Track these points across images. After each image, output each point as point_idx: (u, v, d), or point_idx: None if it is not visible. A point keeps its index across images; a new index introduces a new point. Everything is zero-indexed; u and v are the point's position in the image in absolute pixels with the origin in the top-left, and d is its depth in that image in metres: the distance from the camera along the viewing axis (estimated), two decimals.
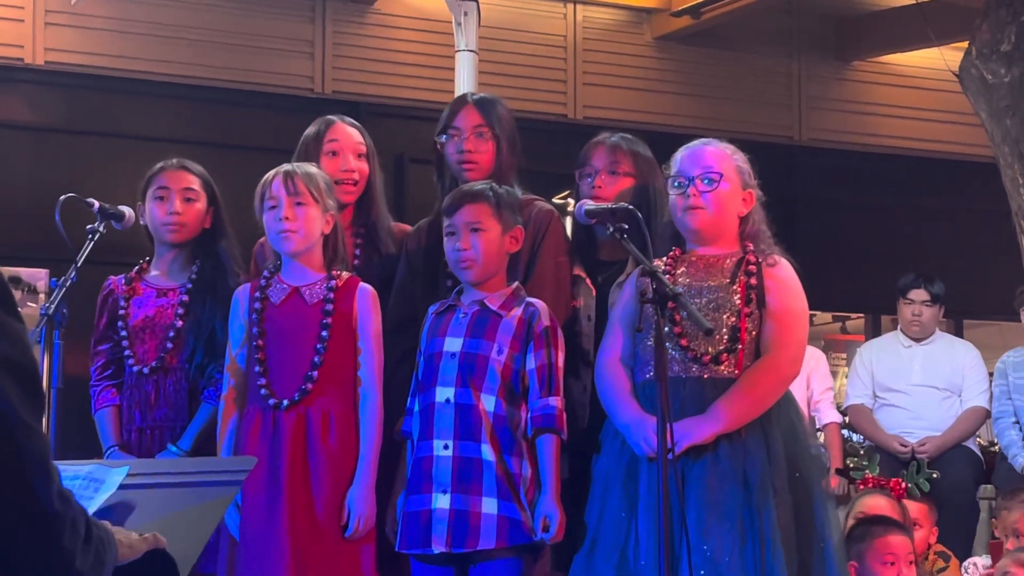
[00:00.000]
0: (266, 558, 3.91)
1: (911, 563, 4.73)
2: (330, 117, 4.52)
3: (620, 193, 4.27)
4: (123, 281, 4.44)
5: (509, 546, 3.89)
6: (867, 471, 6.00)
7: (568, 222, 4.51)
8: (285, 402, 4.02)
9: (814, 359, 6.82)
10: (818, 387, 6.75)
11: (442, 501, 3.90)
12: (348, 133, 4.46)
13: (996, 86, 7.03)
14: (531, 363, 3.98)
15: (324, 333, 4.06)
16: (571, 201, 4.52)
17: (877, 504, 5.42)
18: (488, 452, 3.91)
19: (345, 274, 4.15)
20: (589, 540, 3.86)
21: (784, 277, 3.96)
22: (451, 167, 4.36)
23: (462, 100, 4.48)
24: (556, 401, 3.96)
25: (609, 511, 3.84)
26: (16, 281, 7.85)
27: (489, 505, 3.88)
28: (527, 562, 3.96)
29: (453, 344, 3.99)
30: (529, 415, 3.97)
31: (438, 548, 3.90)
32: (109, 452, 4.26)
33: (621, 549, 3.78)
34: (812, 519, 3.84)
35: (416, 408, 4.04)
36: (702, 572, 3.63)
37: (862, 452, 6.37)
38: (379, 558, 4.09)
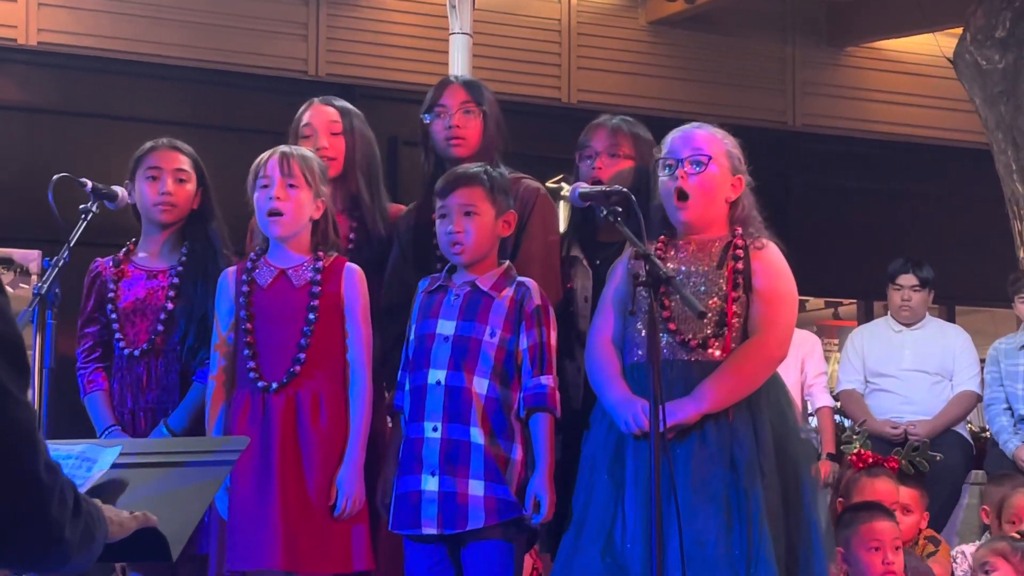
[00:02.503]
0: (258, 540, 3.90)
1: (897, 548, 4.73)
2: (312, 99, 4.53)
3: (619, 174, 4.27)
4: (111, 263, 4.42)
5: (500, 524, 3.90)
6: (857, 444, 6.01)
7: (561, 205, 4.51)
8: (274, 384, 4.02)
9: (809, 343, 6.83)
10: (812, 371, 6.76)
11: (431, 483, 3.92)
12: (322, 112, 4.45)
13: (990, 72, 7.05)
14: (523, 343, 3.99)
15: (311, 315, 4.05)
16: (564, 185, 4.52)
17: (881, 487, 5.42)
18: (478, 435, 3.91)
19: (331, 255, 4.14)
20: (576, 523, 3.87)
21: (771, 259, 3.96)
22: (438, 145, 4.35)
23: (447, 80, 4.48)
24: (548, 380, 3.97)
25: (596, 494, 3.85)
26: (8, 262, 7.84)
27: (476, 487, 3.89)
28: (518, 544, 3.97)
29: (446, 327, 4.00)
30: (522, 394, 3.97)
31: (429, 530, 3.91)
32: (107, 432, 4.25)
33: (608, 531, 3.79)
34: (800, 502, 3.85)
35: (407, 387, 4.04)
36: (689, 554, 3.63)
37: (855, 436, 6.37)
38: (377, 536, 4.11)
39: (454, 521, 3.89)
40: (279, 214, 4.05)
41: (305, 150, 4.20)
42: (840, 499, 5.52)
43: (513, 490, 3.92)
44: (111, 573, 5.95)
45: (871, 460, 5.69)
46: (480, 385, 3.94)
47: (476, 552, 3.93)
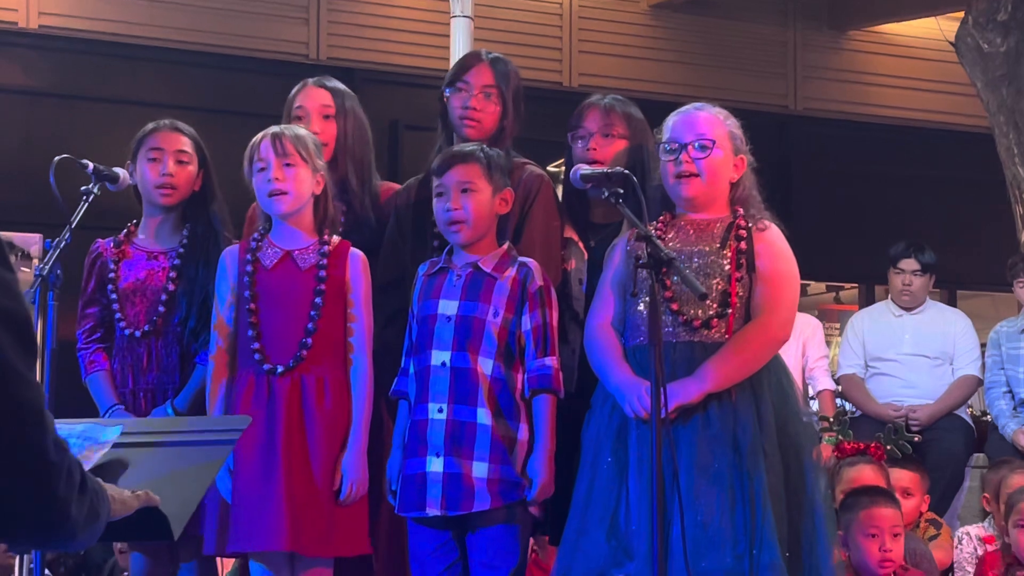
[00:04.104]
0: (263, 522, 3.91)
1: (896, 536, 4.71)
2: (307, 80, 4.51)
3: (615, 156, 4.26)
4: (111, 244, 4.42)
5: (506, 507, 3.90)
6: (838, 436, 6.01)
7: (559, 186, 4.50)
8: (280, 368, 4.02)
9: (810, 327, 6.84)
10: (813, 355, 6.77)
11: (435, 464, 3.92)
12: (314, 95, 4.44)
13: (992, 55, 7.03)
14: (527, 324, 3.99)
15: (318, 300, 4.06)
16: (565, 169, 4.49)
17: (863, 475, 5.43)
18: (484, 416, 3.91)
19: (336, 239, 4.15)
20: (580, 506, 3.87)
21: (774, 241, 3.97)
22: (453, 121, 4.33)
23: (476, 56, 4.43)
24: (553, 361, 3.98)
25: (600, 476, 3.85)
26: (9, 246, 7.82)
27: (480, 469, 3.89)
28: (523, 526, 3.98)
29: (448, 307, 4.00)
30: (526, 376, 3.98)
31: (432, 511, 3.91)
32: (111, 411, 4.26)
33: (612, 514, 3.79)
34: (803, 485, 3.85)
35: (411, 370, 4.04)
36: (692, 535, 3.63)
37: (834, 428, 6.35)
38: (378, 520, 4.11)
39: (459, 503, 3.90)
40: (281, 193, 4.06)
41: (297, 128, 4.19)
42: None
43: (518, 471, 3.93)
44: (111, 555, 5.96)
45: (851, 450, 5.70)
46: (485, 365, 3.95)
47: (482, 534, 3.93)
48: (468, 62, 4.38)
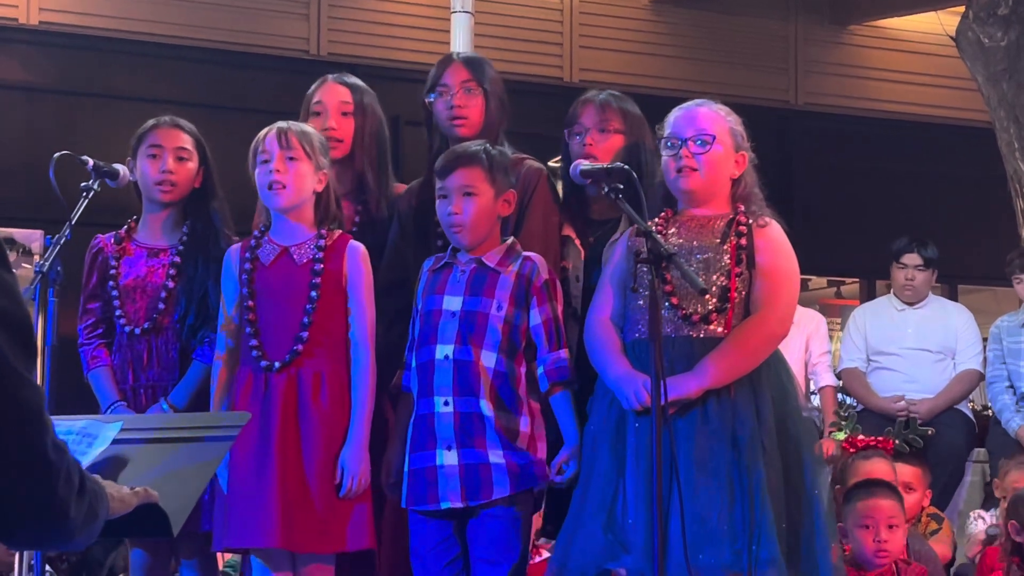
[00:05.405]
0: (254, 519, 3.90)
1: (892, 527, 4.68)
2: (326, 75, 4.52)
3: (615, 154, 4.25)
4: (112, 240, 4.42)
5: (509, 497, 3.90)
6: (846, 430, 6.02)
7: (559, 183, 4.50)
8: (276, 364, 4.01)
9: (814, 322, 6.84)
10: (816, 350, 6.76)
11: (449, 457, 3.91)
12: (334, 91, 4.45)
13: (992, 50, 7.02)
14: (536, 318, 3.99)
15: (313, 293, 4.04)
16: (563, 165, 4.49)
17: (875, 469, 5.43)
18: (487, 407, 3.91)
19: (336, 232, 4.14)
20: (578, 499, 3.87)
21: (774, 237, 3.97)
22: (441, 125, 4.34)
23: (449, 58, 4.47)
24: (566, 353, 3.99)
25: (598, 469, 3.85)
26: (10, 243, 7.84)
27: (496, 456, 3.89)
28: (526, 523, 3.98)
29: (452, 303, 4.00)
30: (542, 370, 3.98)
31: (455, 504, 3.90)
32: (113, 408, 4.26)
33: (609, 507, 3.80)
34: (802, 481, 3.85)
35: (414, 364, 4.04)
36: (690, 530, 3.63)
37: (844, 422, 6.35)
38: (382, 516, 4.11)
39: (478, 492, 3.89)
40: (280, 186, 4.05)
41: (304, 125, 4.19)
42: (838, 486, 5.51)
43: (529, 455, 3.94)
44: (118, 545, 5.95)
45: (862, 444, 5.70)
46: (488, 359, 3.95)
47: (482, 530, 3.92)
48: (443, 65, 4.41)
